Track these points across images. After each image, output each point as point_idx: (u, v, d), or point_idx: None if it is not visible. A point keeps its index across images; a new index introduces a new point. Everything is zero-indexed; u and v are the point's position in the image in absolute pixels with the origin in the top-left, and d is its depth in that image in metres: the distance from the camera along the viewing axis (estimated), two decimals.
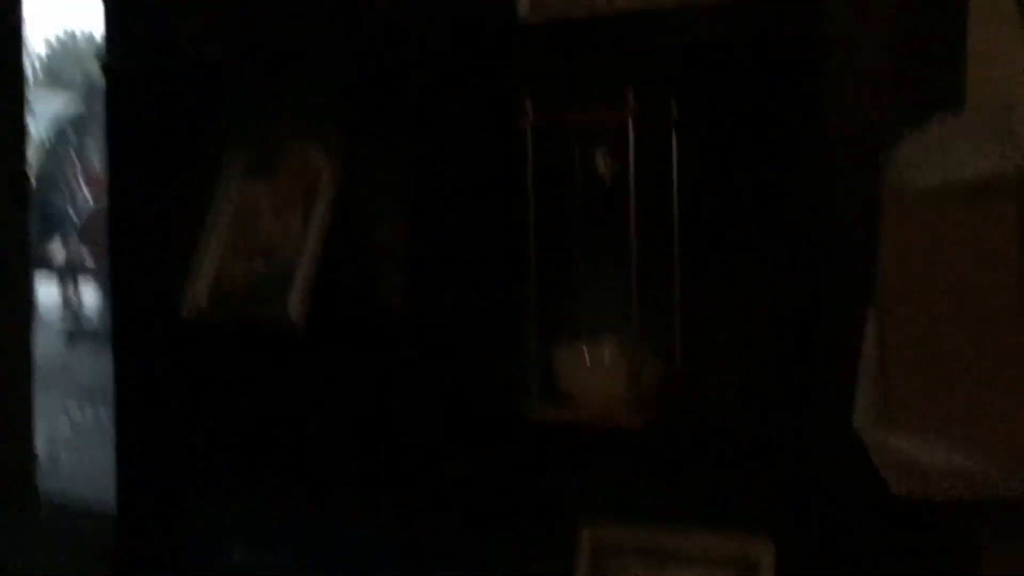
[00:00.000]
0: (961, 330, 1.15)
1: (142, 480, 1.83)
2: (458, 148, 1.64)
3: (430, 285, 1.64)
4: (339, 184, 1.68)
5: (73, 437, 4.63)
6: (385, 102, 1.69)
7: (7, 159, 2.93)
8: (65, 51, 16.75)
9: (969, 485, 1.20)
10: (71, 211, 7.29)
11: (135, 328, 1.85)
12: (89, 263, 7.21)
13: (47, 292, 6.65)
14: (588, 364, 1.56)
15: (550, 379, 1.56)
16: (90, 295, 7.18)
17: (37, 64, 14.74)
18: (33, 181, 5.34)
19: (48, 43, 16.94)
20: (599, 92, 1.54)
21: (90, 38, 15.48)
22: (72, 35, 17.27)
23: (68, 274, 7.27)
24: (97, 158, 7.03)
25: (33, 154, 5.93)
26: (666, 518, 1.56)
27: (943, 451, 1.18)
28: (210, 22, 1.75)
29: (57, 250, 7.28)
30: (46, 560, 2.56)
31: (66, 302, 7.21)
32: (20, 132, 2.99)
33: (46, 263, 7.03)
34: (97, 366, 4.87)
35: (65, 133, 7.26)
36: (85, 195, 7.25)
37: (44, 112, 7.30)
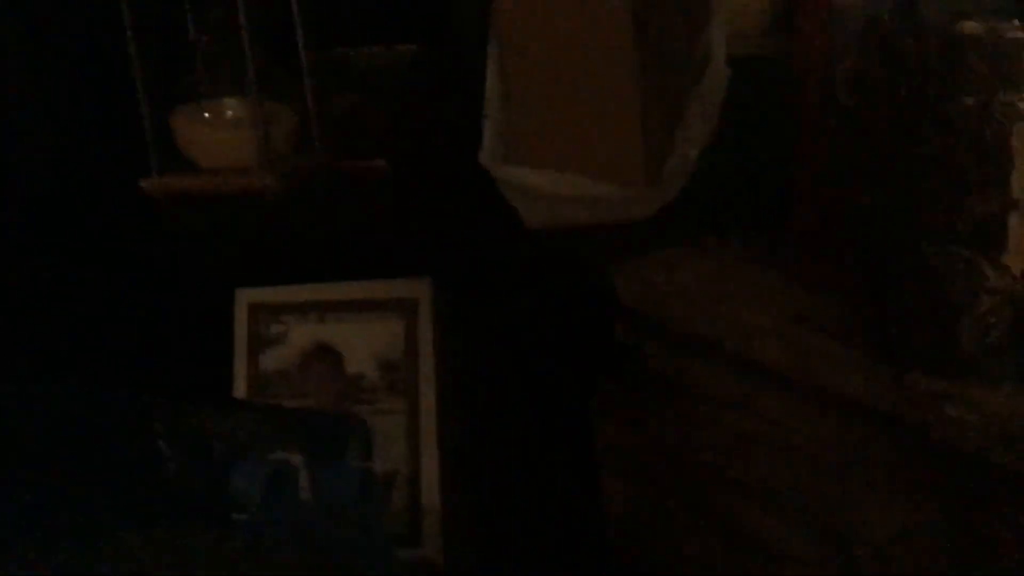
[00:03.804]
0: (575, 63, 1.14)
1: None
2: None
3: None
4: None
5: None
6: None
7: None
8: None
9: (594, 210, 1.24)
10: None
11: None
12: None
13: None
14: (209, 122, 1.44)
15: (173, 149, 1.45)
16: None
17: None
18: None
19: None
20: None
21: None
22: None
23: None
24: None
25: None
26: (324, 275, 1.53)
27: (567, 181, 1.19)
28: None
29: None
30: None
31: None
32: None
33: None
34: None
35: None
36: None
37: None
